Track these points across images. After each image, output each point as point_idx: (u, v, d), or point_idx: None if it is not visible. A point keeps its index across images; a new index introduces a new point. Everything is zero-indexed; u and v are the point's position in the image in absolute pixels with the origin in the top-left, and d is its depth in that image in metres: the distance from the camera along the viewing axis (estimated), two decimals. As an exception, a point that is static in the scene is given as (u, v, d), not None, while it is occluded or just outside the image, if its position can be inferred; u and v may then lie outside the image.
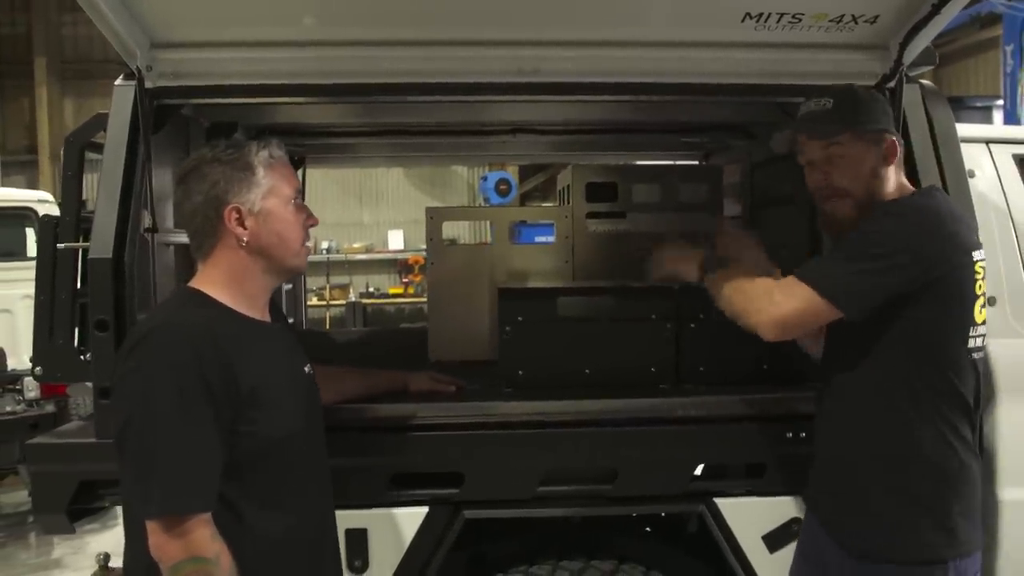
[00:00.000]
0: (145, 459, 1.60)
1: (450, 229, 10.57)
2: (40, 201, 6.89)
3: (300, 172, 4.09)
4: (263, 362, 1.73)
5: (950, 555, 1.87)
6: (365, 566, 2.23)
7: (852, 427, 1.96)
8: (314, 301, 13.52)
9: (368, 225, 14.69)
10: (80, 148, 2.56)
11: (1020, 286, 2.53)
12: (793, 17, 2.16)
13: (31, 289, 2.58)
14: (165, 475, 1.58)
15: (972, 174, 2.54)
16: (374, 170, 13.94)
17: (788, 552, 2.24)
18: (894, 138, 1.98)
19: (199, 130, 2.87)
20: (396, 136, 3.50)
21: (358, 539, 2.22)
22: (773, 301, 1.91)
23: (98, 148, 2.43)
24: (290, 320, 4.13)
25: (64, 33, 14.42)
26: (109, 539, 4.86)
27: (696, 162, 4.15)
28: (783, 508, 2.26)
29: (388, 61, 2.30)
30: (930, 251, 1.84)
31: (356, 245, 14.41)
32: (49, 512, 2.24)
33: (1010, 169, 2.62)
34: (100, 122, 2.44)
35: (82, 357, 2.48)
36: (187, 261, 1.87)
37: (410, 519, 2.25)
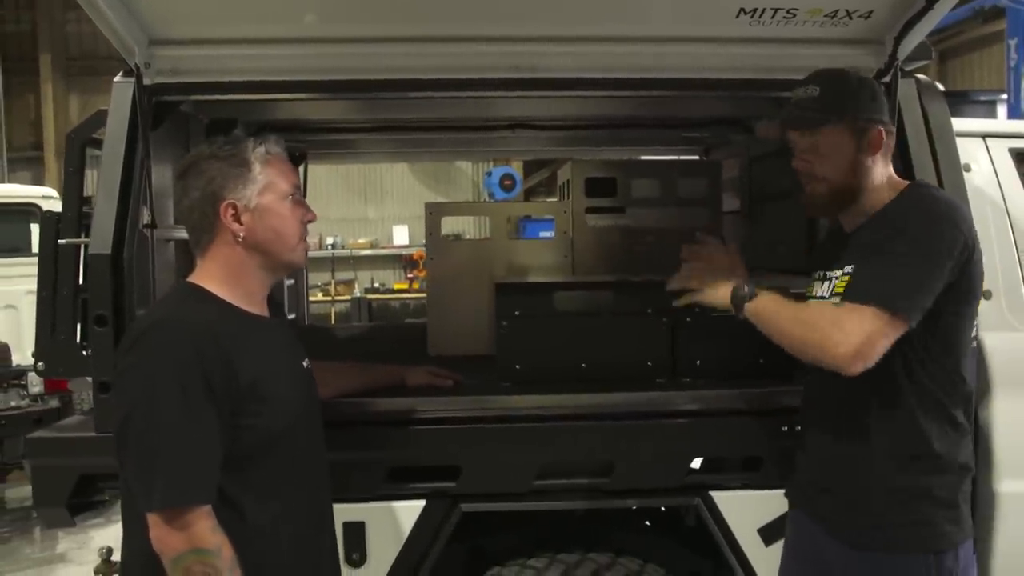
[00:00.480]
0: (146, 453, 1.61)
1: (455, 224, 10.59)
2: (44, 197, 6.94)
3: (301, 168, 4.11)
4: (261, 357, 1.75)
5: (959, 540, 1.89)
6: (363, 559, 2.25)
7: (855, 424, 1.95)
8: (319, 297, 13.57)
9: (373, 221, 14.71)
10: (82, 144, 2.58)
11: (1016, 280, 2.54)
12: (788, 12, 2.17)
13: (35, 285, 2.60)
14: (166, 468, 1.60)
15: (968, 168, 2.55)
16: (379, 166, 13.96)
17: (782, 544, 2.26)
18: (880, 128, 1.95)
19: (199, 127, 2.88)
20: (396, 132, 3.51)
21: (356, 532, 2.24)
22: (845, 331, 1.78)
23: (100, 144, 2.44)
24: (292, 315, 4.18)
25: (69, 30, 14.46)
26: (113, 533, 4.86)
27: (696, 157, 4.16)
28: (779, 501, 2.25)
29: (385, 57, 2.31)
30: (962, 243, 1.85)
31: (361, 241, 14.43)
32: (49, 506, 2.26)
33: (1007, 163, 2.63)
34: (101, 118, 2.45)
35: (84, 352, 2.49)
36: (187, 257, 1.89)
37: (408, 512, 2.27)
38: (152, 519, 1.60)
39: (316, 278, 13.65)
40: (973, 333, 1.95)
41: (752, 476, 2.33)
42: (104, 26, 2.17)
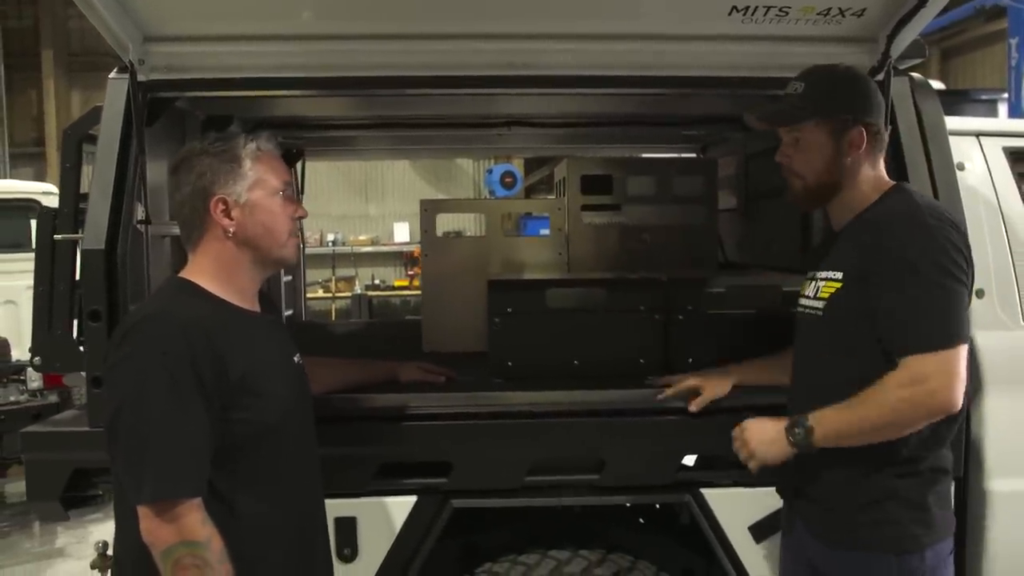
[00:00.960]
0: (136, 445, 1.62)
1: (456, 222, 10.60)
2: (44, 193, 6.95)
3: (299, 165, 4.13)
4: (252, 351, 1.76)
5: (927, 542, 1.89)
6: (355, 554, 2.26)
7: None
8: (320, 293, 13.60)
9: (374, 218, 14.71)
10: (78, 140, 2.58)
11: (1009, 279, 2.53)
12: (780, 10, 2.17)
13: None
14: (156, 461, 1.61)
15: (962, 167, 2.55)
16: (380, 163, 13.96)
17: (774, 542, 2.26)
18: (862, 128, 1.94)
19: (195, 123, 2.89)
20: (393, 129, 3.52)
21: (347, 527, 2.25)
22: (931, 390, 1.77)
23: (96, 141, 2.45)
24: (290, 311, 4.19)
25: (71, 26, 14.47)
26: (111, 528, 4.88)
27: (694, 155, 4.16)
28: (769, 499, 2.25)
29: (380, 54, 2.31)
30: (968, 247, 1.86)
31: (362, 237, 14.44)
32: (44, 499, 2.27)
33: (1001, 162, 2.62)
34: (98, 115, 2.45)
35: (80, 348, 2.50)
36: (183, 252, 1.91)
37: (399, 508, 2.27)
38: (142, 511, 1.61)
39: (317, 275, 13.67)
40: None
41: (743, 474, 2.33)
42: (98, 23, 2.18)
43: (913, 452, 1.89)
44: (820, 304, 1.98)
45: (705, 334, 2.47)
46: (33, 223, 6.88)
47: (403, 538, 2.27)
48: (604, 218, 3.16)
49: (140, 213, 2.30)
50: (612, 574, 2.32)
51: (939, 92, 3.23)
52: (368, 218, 14.68)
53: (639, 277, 2.52)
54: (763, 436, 1.95)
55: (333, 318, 12.75)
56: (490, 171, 12.51)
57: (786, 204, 3.03)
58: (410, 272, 14.38)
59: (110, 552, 2.59)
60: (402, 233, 14.58)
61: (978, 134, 2.65)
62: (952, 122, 2.51)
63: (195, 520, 1.61)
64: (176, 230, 2.21)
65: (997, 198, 2.59)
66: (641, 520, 2.84)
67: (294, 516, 1.84)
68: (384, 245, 14.49)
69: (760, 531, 2.30)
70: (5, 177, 12.91)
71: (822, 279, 2.00)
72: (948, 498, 1.97)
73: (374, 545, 2.27)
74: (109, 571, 2.44)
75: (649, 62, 2.30)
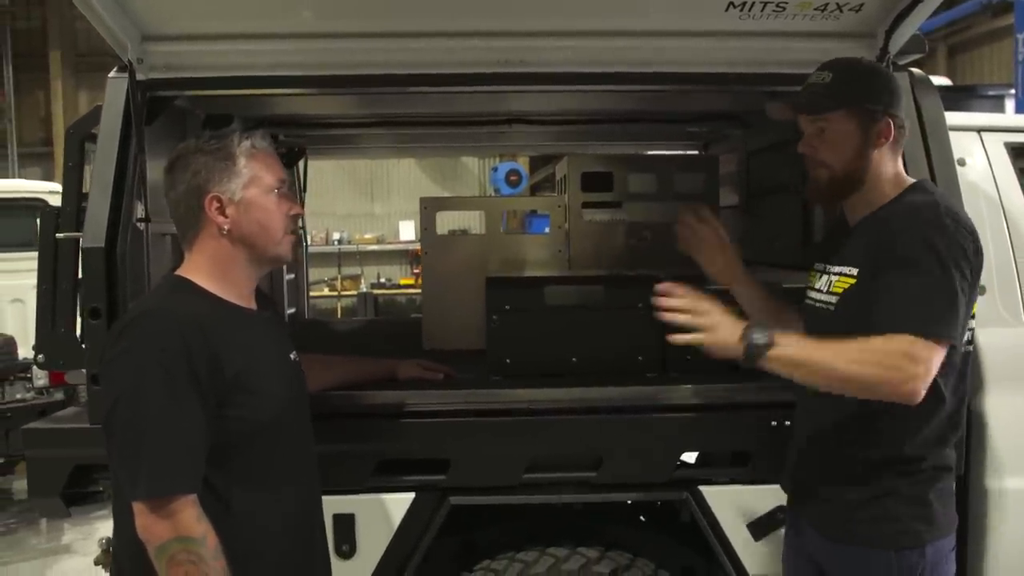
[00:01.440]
0: (132, 441, 1.63)
1: (461, 220, 10.59)
2: (51, 192, 6.98)
3: (301, 163, 4.13)
4: (248, 349, 1.76)
5: (928, 538, 1.89)
6: (353, 550, 2.27)
7: (832, 421, 1.96)
8: (325, 292, 13.62)
9: (379, 216, 14.72)
10: (80, 140, 2.60)
11: (1010, 275, 2.52)
12: (777, 6, 2.16)
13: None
14: (151, 457, 1.61)
15: (963, 163, 2.54)
16: (385, 162, 13.96)
17: (772, 540, 2.26)
18: (890, 120, 1.92)
19: (196, 122, 2.90)
20: (393, 127, 3.52)
21: (346, 524, 2.26)
22: (912, 374, 1.73)
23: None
24: (292, 310, 4.20)
25: (78, 27, 14.50)
26: (116, 525, 4.90)
27: (695, 152, 4.15)
28: (767, 496, 2.26)
29: (378, 52, 2.32)
30: (980, 259, 1.85)
31: (367, 236, 14.44)
32: (45, 496, 2.29)
33: (1002, 157, 2.61)
34: (99, 114, 2.47)
35: (84, 345, 2.52)
36: (182, 250, 1.92)
37: (397, 505, 2.28)
38: (138, 507, 1.62)
39: (323, 273, 13.69)
40: (966, 338, 1.93)
41: (740, 471, 2.33)
42: (97, 22, 2.19)
43: (916, 451, 1.88)
44: (832, 299, 1.97)
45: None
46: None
47: (401, 535, 2.28)
48: (605, 215, 3.15)
49: (140, 211, 2.31)
50: (610, 571, 2.31)
51: (945, 88, 3.23)
52: (374, 217, 14.69)
53: (637, 274, 2.52)
54: (724, 318, 1.85)
55: (339, 316, 12.77)
56: (495, 169, 12.50)
57: (787, 201, 3.07)
58: (415, 270, 14.36)
59: (115, 549, 2.62)
60: (407, 232, 14.57)
61: (980, 129, 2.64)
62: (953, 117, 2.49)
63: (190, 516, 1.62)
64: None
65: (999, 194, 2.58)
66: (642, 518, 2.84)
67: (290, 513, 1.85)
68: (390, 243, 14.49)
69: (758, 528, 2.29)
70: (14, 177, 12.98)
71: (835, 273, 1.99)
72: (950, 495, 1.96)
73: (372, 542, 2.28)
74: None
75: (646, 58, 2.30)
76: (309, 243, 4.51)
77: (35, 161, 14.60)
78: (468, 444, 2.29)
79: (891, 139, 1.94)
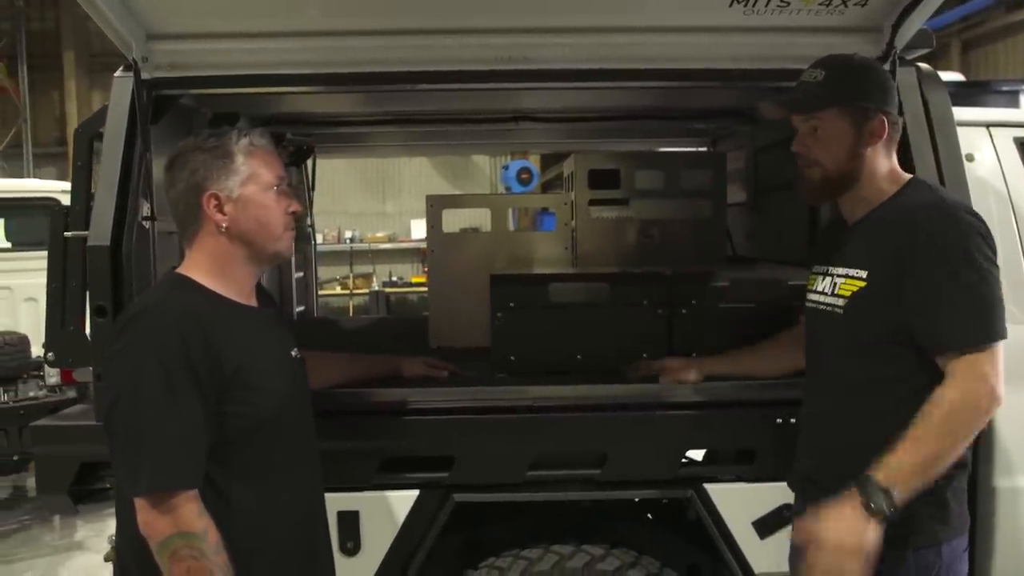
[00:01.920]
0: (132, 437, 1.64)
1: (472, 218, 10.60)
2: (64, 192, 7.02)
3: (309, 161, 4.15)
4: (247, 345, 1.77)
5: (944, 537, 1.87)
6: (357, 548, 2.27)
7: (847, 420, 1.94)
8: (338, 290, 13.66)
9: (391, 215, 14.75)
10: (89, 139, 2.61)
11: (1019, 271, 2.49)
12: (781, 1, 2.15)
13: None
14: (151, 453, 1.62)
15: (972, 158, 2.51)
16: (396, 161, 13.98)
17: (778, 538, 2.25)
18: (883, 117, 1.92)
19: (202, 121, 2.91)
20: (400, 124, 3.52)
21: (350, 521, 2.26)
22: (990, 388, 1.77)
23: (107, 139, 2.47)
24: (302, 308, 4.22)
25: (91, 27, 14.53)
26: (127, 522, 4.93)
27: (704, 149, 4.14)
28: (773, 494, 2.25)
29: (382, 50, 2.32)
30: (990, 232, 1.85)
31: (379, 234, 14.47)
32: (52, 492, 2.30)
33: (1011, 153, 2.58)
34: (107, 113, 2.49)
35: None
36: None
37: (401, 502, 2.28)
38: (139, 504, 1.63)
39: (335, 271, 13.73)
40: None
41: (746, 469, 2.32)
42: (102, 21, 2.19)
43: None
44: (840, 301, 1.95)
45: (709, 328, 2.46)
46: (54, 222, 6.96)
47: (405, 532, 2.28)
48: (612, 213, 3.14)
49: (146, 210, 2.32)
50: (615, 569, 2.30)
51: (958, 84, 3.20)
52: (385, 215, 14.72)
53: (642, 271, 2.51)
54: (843, 533, 1.73)
55: (351, 315, 12.81)
56: (506, 167, 12.49)
57: (795, 197, 3.04)
58: (427, 269, 14.38)
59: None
60: (419, 230, 14.57)
61: (988, 125, 2.61)
62: (962, 113, 2.47)
63: (191, 511, 1.62)
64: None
65: (1008, 189, 2.55)
66: (649, 516, 2.83)
67: (292, 509, 1.85)
68: (401, 242, 14.52)
69: (764, 527, 2.28)
70: (29, 177, 13.09)
71: (840, 275, 1.96)
72: (964, 493, 1.94)
73: (377, 539, 2.28)
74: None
75: (649, 54, 2.29)
76: (321, 241, 4.53)
77: (50, 161, 14.71)
78: (472, 441, 2.29)
79: (885, 137, 1.93)
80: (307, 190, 4.25)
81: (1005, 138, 2.59)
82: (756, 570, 2.30)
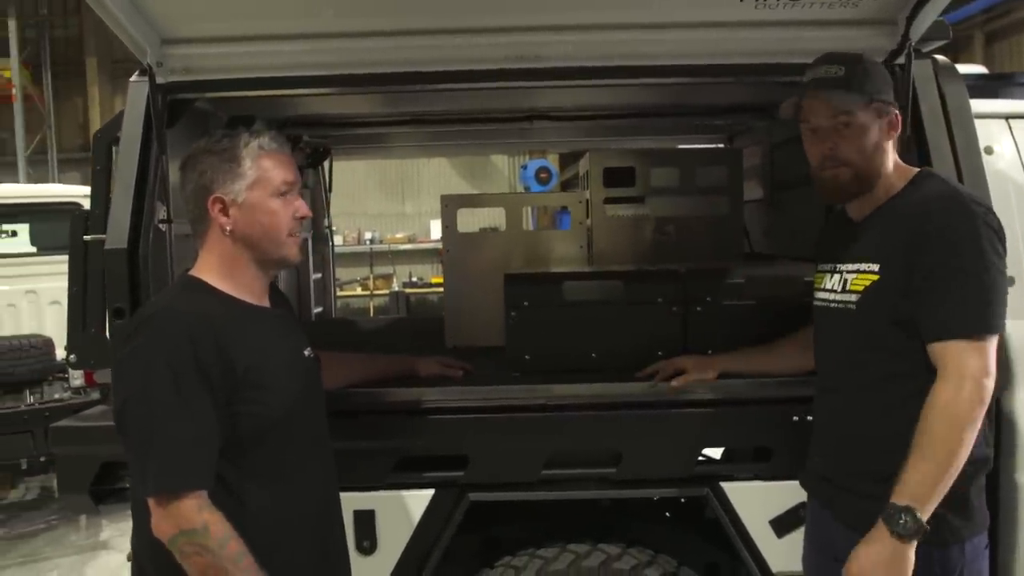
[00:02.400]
0: (142, 438, 1.66)
1: (491, 217, 10.62)
2: (86, 196, 7.08)
3: (326, 163, 4.17)
4: (258, 345, 1.78)
5: (966, 534, 1.86)
6: (373, 547, 2.28)
7: (864, 418, 1.92)
8: (358, 291, 13.74)
9: (410, 216, 14.81)
10: (108, 143, 2.64)
11: (1041, 264, 2.45)
12: (794, -5, 2.13)
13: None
14: (160, 453, 1.64)
15: (990, 151, 2.48)
16: (415, 161, 14.04)
17: (795, 536, 2.23)
18: (896, 112, 1.94)
19: (218, 124, 2.93)
20: (416, 125, 3.52)
21: (366, 520, 2.27)
22: (979, 382, 1.76)
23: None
24: (320, 309, 4.24)
25: (114, 34, 14.70)
26: (152, 522, 4.98)
27: (721, 145, 4.11)
28: (790, 492, 2.23)
29: (396, 51, 2.32)
30: (1004, 237, 1.84)
31: (399, 235, 14.54)
32: (73, 492, 2.33)
33: (1031, 145, 2.54)
34: (125, 118, 2.51)
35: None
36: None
37: (417, 501, 2.29)
38: (150, 504, 1.65)
39: (355, 272, 13.82)
40: None
41: (762, 467, 2.30)
42: (116, 27, 2.22)
43: (978, 447, 1.84)
44: (853, 297, 1.93)
45: (723, 325, 2.44)
46: (77, 226, 7.04)
47: (421, 531, 2.29)
48: (628, 211, 3.13)
49: (163, 213, 2.34)
50: (631, 568, 2.30)
51: (980, 76, 3.15)
52: (404, 216, 14.78)
53: (656, 269, 2.50)
54: (879, 562, 1.77)
55: (371, 315, 12.88)
56: (524, 167, 12.47)
57: (812, 193, 3.00)
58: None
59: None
60: (438, 230, 14.61)
61: (1008, 116, 2.57)
62: (980, 105, 2.43)
63: (190, 508, 1.63)
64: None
65: (1027, 182, 2.51)
66: (667, 514, 2.81)
67: (306, 508, 1.86)
68: (420, 242, 14.58)
69: (781, 525, 2.27)
70: (53, 182, 13.27)
71: (851, 271, 1.95)
72: (983, 491, 1.92)
73: (393, 538, 2.29)
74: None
75: (661, 51, 2.27)
76: (341, 243, 4.55)
77: (74, 166, 14.91)
78: (487, 440, 2.29)
79: (898, 131, 1.94)
80: (324, 192, 4.27)
81: (1025, 130, 2.55)
82: (774, 569, 2.28)
